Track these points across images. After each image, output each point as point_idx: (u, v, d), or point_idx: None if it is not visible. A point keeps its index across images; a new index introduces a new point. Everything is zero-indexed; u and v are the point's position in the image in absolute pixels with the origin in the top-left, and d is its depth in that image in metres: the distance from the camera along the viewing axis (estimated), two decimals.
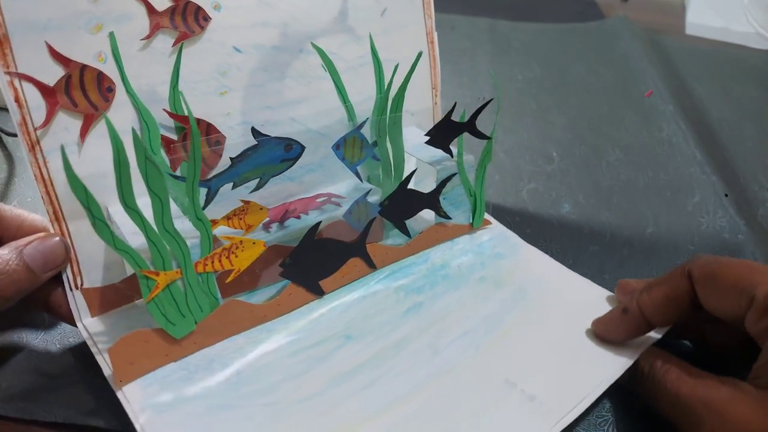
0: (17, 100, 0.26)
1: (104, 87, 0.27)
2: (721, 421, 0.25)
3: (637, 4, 0.87)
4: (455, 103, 0.37)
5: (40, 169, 0.27)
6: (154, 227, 0.27)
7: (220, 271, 0.30)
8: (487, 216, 0.42)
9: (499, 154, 0.53)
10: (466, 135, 0.38)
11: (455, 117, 0.37)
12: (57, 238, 0.28)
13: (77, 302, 0.30)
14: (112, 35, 0.28)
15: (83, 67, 0.27)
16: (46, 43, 0.26)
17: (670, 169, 0.52)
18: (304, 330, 0.32)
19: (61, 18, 0.26)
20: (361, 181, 0.36)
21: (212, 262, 0.29)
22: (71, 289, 0.30)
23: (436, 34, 0.41)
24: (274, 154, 0.31)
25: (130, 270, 0.31)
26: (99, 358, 0.28)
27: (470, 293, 0.36)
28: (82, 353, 0.31)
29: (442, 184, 0.38)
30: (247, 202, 0.30)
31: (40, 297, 0.30)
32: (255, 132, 0.30)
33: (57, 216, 0.28)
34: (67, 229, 0.29)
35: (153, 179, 0.26)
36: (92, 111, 0.28)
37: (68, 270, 0.30)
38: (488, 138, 0.39)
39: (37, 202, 0.44)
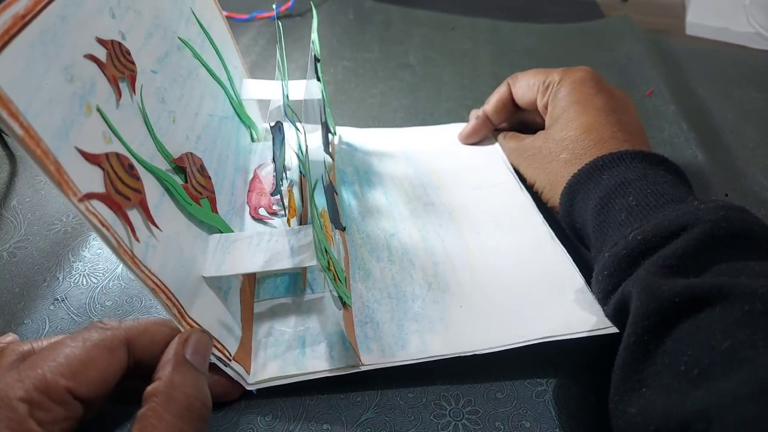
0: (102, 224, 0.23)
1: (127, 167, 0.25)
2: (526, 149, 0.46)
3: (637, 4, 0.86)
4: (311, 41, 0.43)
5: (152, 280, 0.25)
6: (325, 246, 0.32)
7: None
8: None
9: None
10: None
11: None
12: (202, 332, 0.28)
13: (238, 371, 0.31)
14: (101, 111, 0.25)
15: (106, 156, 0.24)
16: (77, 149, 0.23)
17: None
18: (371, 250, 0.40)
19: (67, 114, 0.23)
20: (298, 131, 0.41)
21: (292, 212, 0.38)
22: (227, 365, 0.30)
23: None
24: (279, 139, 0.40)
25: (238, 317, 0.34)
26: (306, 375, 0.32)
27: (390, 170, 0.49)
28: None
29: (325, 110, 0.46)
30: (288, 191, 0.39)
31: None
32: (274, 127, 0.38)
33: (181, 314, 0.27)
34: (193, 321, 0.28)
35: (313, 217, 0.31)
36: (139, 196, 0.26)
37: (215, 350, 0.29)
38: (318, 60, 0.45)
39: (36, 203, 0.44)
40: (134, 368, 0.27)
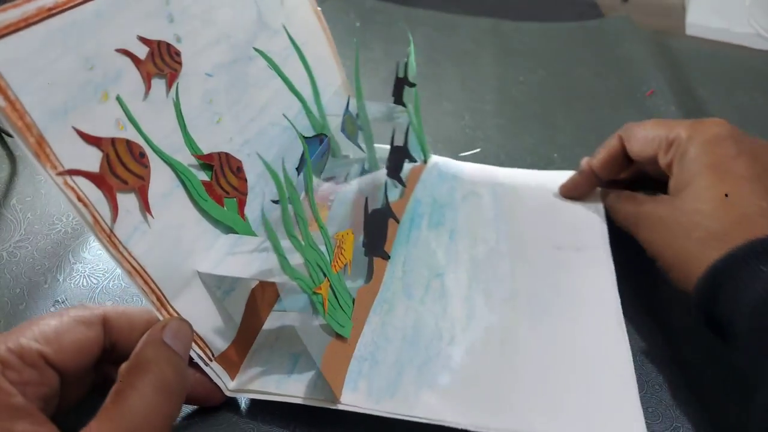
0: (80, 199, 0.24)
1: (137, 154, 0.27)
2: (647, 217, 0.38)
3: (637, 4, 0.86)
4: (398, 62, 0.44)
5: (130, 263, 0.26)
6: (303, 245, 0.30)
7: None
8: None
9: (500, 156, 0.53)
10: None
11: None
12: (180, 320, 0.28)
13: (218, 373, 0.30)
14: (120, 100, 0.26)
15: (112, 141, 0.26)
16: (74, 129, 0.24)
17: None
18: (406, 285, 0.38)
19: (72, 96, 0.24)
20: (362, 150, 0.43)
21: (338, 261, 0.32)
22: (207, 364, 0.30)
23: (318, 8, 0.45)
24: (318, 150, 0.38)
25: (238, 319, 0.32)
26: (273, 397, 0.30)
27: (467, 207, 0.44)
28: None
29: (407, 133, 0.44)
30: (343, 235, 0.33)
31: None
32: (303, 138, 0.33)
33: (162, 302, 0.28)
34: (174, 310, 0.28)
35: (296, 202, 0.29)
36: (141, 182, 0.27)
37: (195, 347, 0.29)
38: (413, 85, 0.45)
39: (36, 202, 0.44)
40: (111, 351, 0.27)
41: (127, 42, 0.27)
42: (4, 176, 0.46)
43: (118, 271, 0.37)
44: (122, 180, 0.26)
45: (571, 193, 0.45)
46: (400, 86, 0.44)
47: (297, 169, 0.36)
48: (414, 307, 0.36)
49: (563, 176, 0.46)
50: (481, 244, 0.41)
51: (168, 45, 0.29)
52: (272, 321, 0.34)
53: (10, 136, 0.49)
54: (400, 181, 0.44)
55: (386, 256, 0.39)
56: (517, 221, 0.43)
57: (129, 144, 0.26)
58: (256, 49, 0.37)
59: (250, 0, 0.37)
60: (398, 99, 0.44)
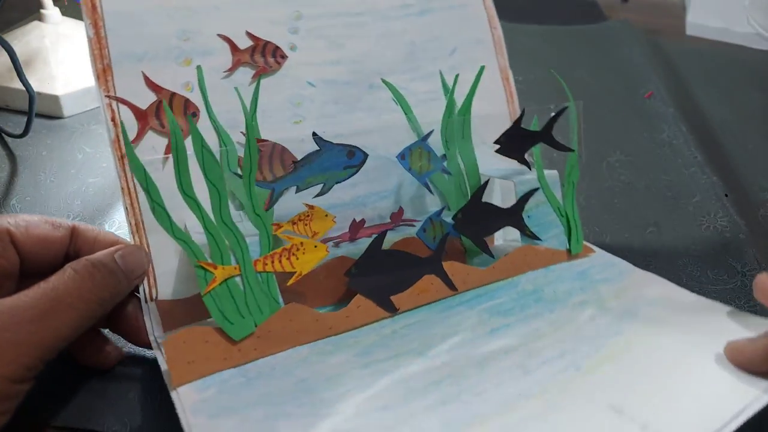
0: (113, 119, 0.29)
1: (189, 112, 0.31)
2: None
3: (637, 4, 0.86)
4: (523, 109, 0.36)
5: (127, 182, 0.29)
6: (213, 220, 0.28)
7: (280, 272, 0.29)
8: (588, 244, 0.37)
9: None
10: (544, 147, 0.36)
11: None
12: (140, 247, 0.29)
13: (151, 315, 0.30)
14: (199, 68, 0.31)
15: (172, 95, 0.30)
16: (142, 72, 0.30)
17: (670, 170, 0.52)
18: (376, 345, 0.30)
19: (155, 51, 0.30)
20: (431, 192, 0.36)
21: (272, 262, 0.29)
22: (146, 301, 0.30)
23: (511, 72, 0.41)
24: (338, 160, 0.31)
25: (196, 287, 0.30)
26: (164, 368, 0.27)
27: (568, 315, 0.32)
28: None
29: (523, 199, 0.35)
30: (311, 207, 0.30)
31: (111, 314, 0.29)
32: (317, 138, 0.30)
33: (138, 228, 0.29)
34: (147, 241, 0.29)
35: (210, 169, 0.27)
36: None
37: (145, 282, 0.30)
38: (570, 150, 0.36)
39: (36, 202, 0.44)
40: (75, 258, 0.28)
41: (234, 33, 0.32)
42: (4, 176, 0.46)
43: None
44: (161, 124, 0.30)
45: (744, 364, 0.27)
46: (529, 139, 0.35)
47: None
48: (357, 367, 0.28)
49: (724, 314, 0.31)
50: (519, 356, 0.29)
51: (276, 48, 0.33)
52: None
53: (10, 135, 0.49)
54: (481, 245, 0.34)
55: (391, 310, 0.31)
56: (640, 346, 0.30)
57: (187, 102, 0.31)
58: (384, 81, 0.37)
59: (405, 40, 0.38)
60: (521, 157, 0.35)
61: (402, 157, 0.33)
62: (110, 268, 0.27)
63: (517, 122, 0.35)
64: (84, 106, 0.53)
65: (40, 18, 0.54)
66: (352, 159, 0.32)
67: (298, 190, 0.30)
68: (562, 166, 0.38)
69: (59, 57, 0.53)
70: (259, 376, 0.27)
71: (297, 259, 0.29)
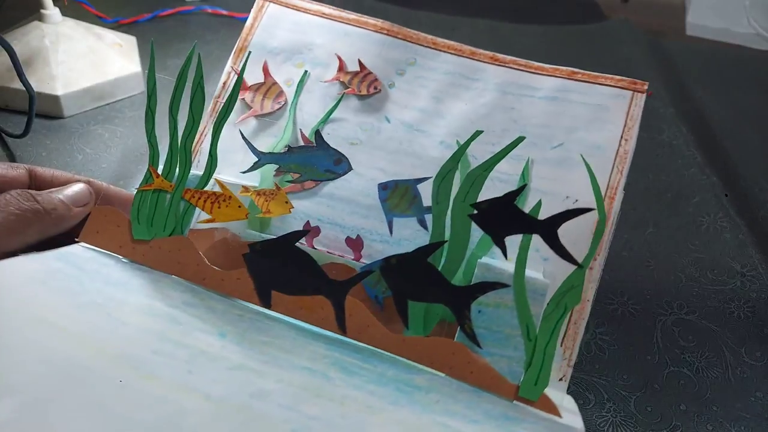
0: (225, 84, 0.37)
1: (278, 99, 0.37)
2: None
3: (637, 4, 0.86)
4: (525, 185, 0.30)
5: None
6: (179, 143, 0.31)
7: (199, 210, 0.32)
8: (554, 392, 0.26)
9: None
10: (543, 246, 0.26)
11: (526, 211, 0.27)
12: (82, 184, 0.32)
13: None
14: (307, 72, 0.37)
15: (274, 83, 0.37)
16: (265, 60, 0.37)
17: (670, 171, 0.52)
18: (226, 323, 0.27)
19: (281, 50, 0.37)
20: (391, 234, 0.32)
21: (198, 198, 0.31)
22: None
23: (622, 194, 0.33)
24: (324, 161, 0.33)
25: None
26: None
27: None
28: None
29: (479, 286, 0.26)
30: (278, 188, 0.32)
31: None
32: (318, 136, 0.33)
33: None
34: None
35: (196, 102, 0.31)
36: (258, 110, 0.37)
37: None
38: (579, 265, 0.25)
39: None
40: None
41: (349, 57, 0.37)
42: None
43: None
44: (253, 94, 0.37)
45: None
46: (521, 224, 0.26)
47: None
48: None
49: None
50: None
51: (374, 79, 0.37)
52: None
53: (10, 135, 0.49)
54: (400, 308, 0.27)
55: (265, 302, 0.29)
56: None
57: (281, 91, 0.37)
58: (458, 142, 0.34)
59: (508, 116, 0.35)
60: (499, 239, 0.26)
61: (384, 187, 0.32)
62: (54, 203, 0.30)
63: (514, 195, 0.26)
64: (84, 107, 0.53)
65: (40, 18, 0.54)
66: (337, 166, 0.33)
67: (278, 170, 0.34)
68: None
69: (59, 57, 0.52)
70: (121, 278, 0.29)
71: (218, 207, 0.31)
